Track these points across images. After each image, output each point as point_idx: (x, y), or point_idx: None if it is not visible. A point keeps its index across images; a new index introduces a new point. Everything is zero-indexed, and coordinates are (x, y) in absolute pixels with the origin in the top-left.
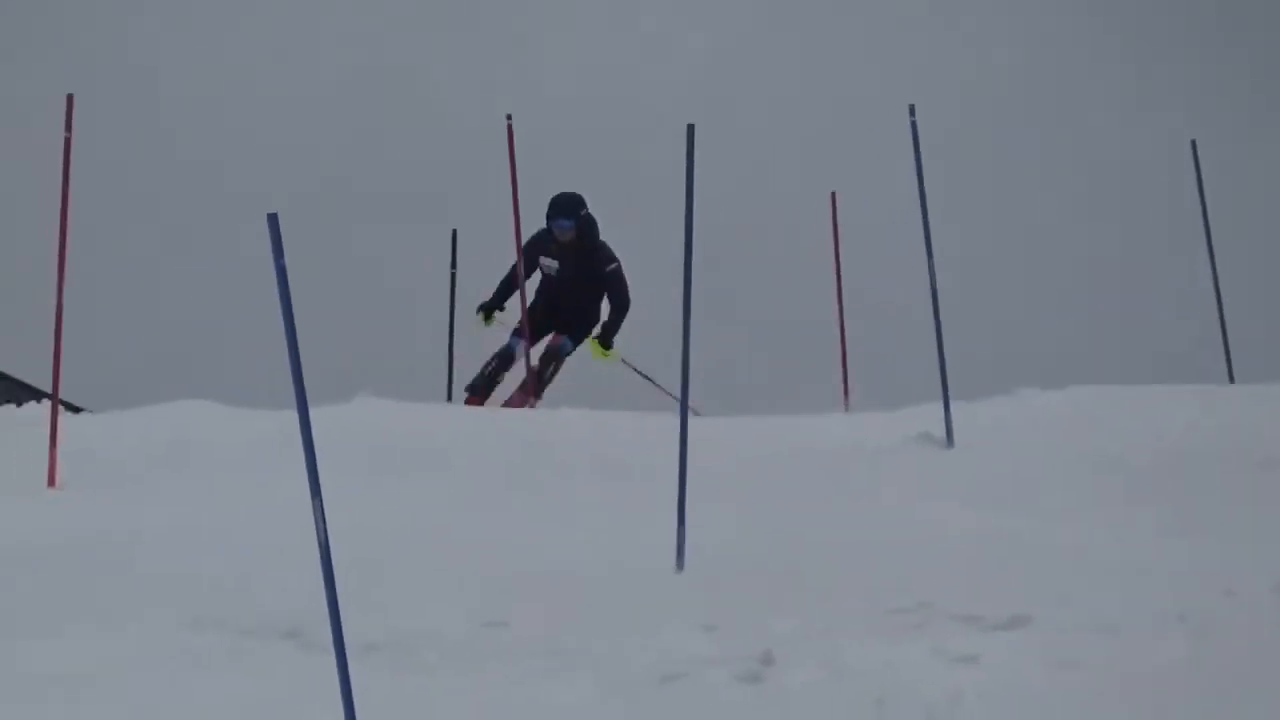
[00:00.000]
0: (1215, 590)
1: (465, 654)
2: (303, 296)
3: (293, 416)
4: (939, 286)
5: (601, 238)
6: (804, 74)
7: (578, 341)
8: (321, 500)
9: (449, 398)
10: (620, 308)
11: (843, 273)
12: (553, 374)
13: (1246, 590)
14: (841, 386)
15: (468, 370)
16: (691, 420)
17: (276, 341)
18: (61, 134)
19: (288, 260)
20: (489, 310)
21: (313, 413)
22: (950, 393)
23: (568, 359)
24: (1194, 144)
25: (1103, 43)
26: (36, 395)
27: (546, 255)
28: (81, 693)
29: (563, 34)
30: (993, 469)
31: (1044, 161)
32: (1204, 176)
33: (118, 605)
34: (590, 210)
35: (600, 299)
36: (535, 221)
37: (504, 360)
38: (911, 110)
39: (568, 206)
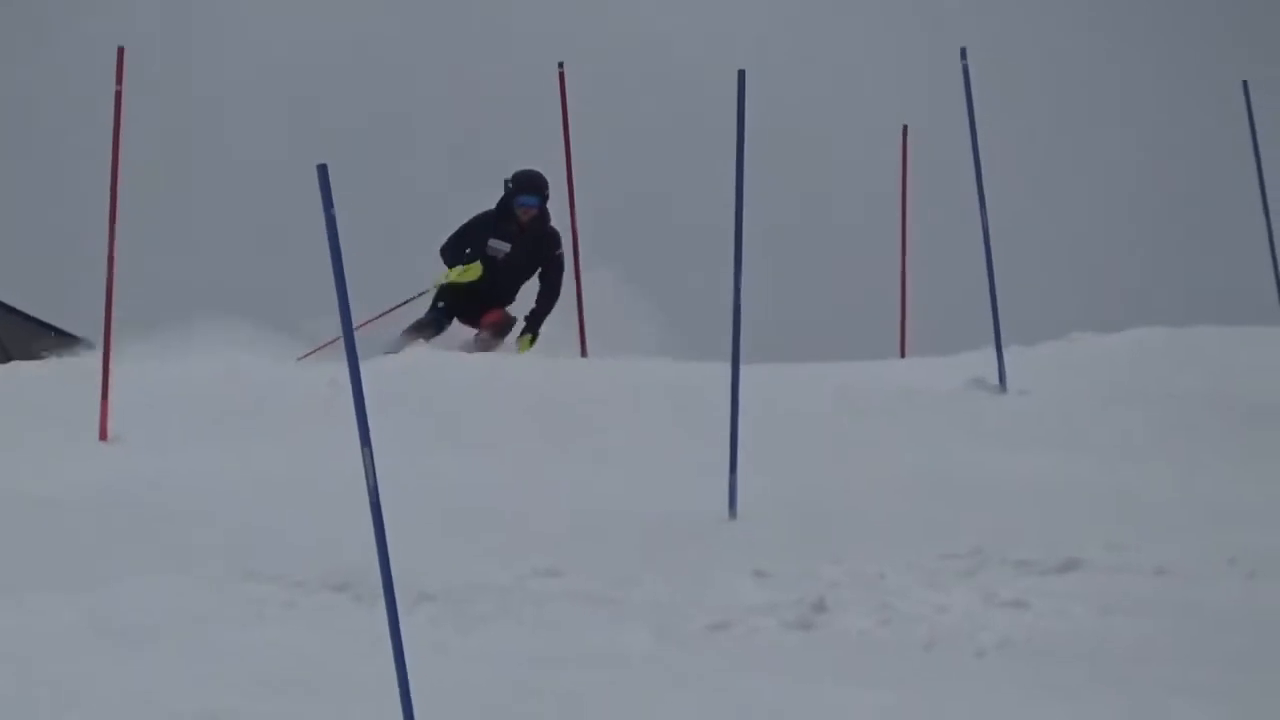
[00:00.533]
0: (1268, 534)
1: (517, 603)
2: (352, 244)
3: (343, 368)
4: (991, 229)
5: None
6: (867, 15)
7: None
8: (371, 450)
9: (583, 349)
10: (555, 295)
11: (907, 211)
12: (507, 328)
13: None
14: (899, 331)
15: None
16: (744, 368)
17: (328, 292)
18: (111, 86)
19: (337, 210)
20: (463, 261)
21: (363, 364)
22: (1005, 337)
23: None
24: (1245, 85)
25: None
26: (88, 348)
27: (497, 237)
28: (135, 643)
29: None
30: (1046, 413)
31: (1102, 101)
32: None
33: (170, 558)
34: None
35: (527, 279)
36: (589, 168)
37: (438, 326)
38: (963, 54)
39: (537, 184)
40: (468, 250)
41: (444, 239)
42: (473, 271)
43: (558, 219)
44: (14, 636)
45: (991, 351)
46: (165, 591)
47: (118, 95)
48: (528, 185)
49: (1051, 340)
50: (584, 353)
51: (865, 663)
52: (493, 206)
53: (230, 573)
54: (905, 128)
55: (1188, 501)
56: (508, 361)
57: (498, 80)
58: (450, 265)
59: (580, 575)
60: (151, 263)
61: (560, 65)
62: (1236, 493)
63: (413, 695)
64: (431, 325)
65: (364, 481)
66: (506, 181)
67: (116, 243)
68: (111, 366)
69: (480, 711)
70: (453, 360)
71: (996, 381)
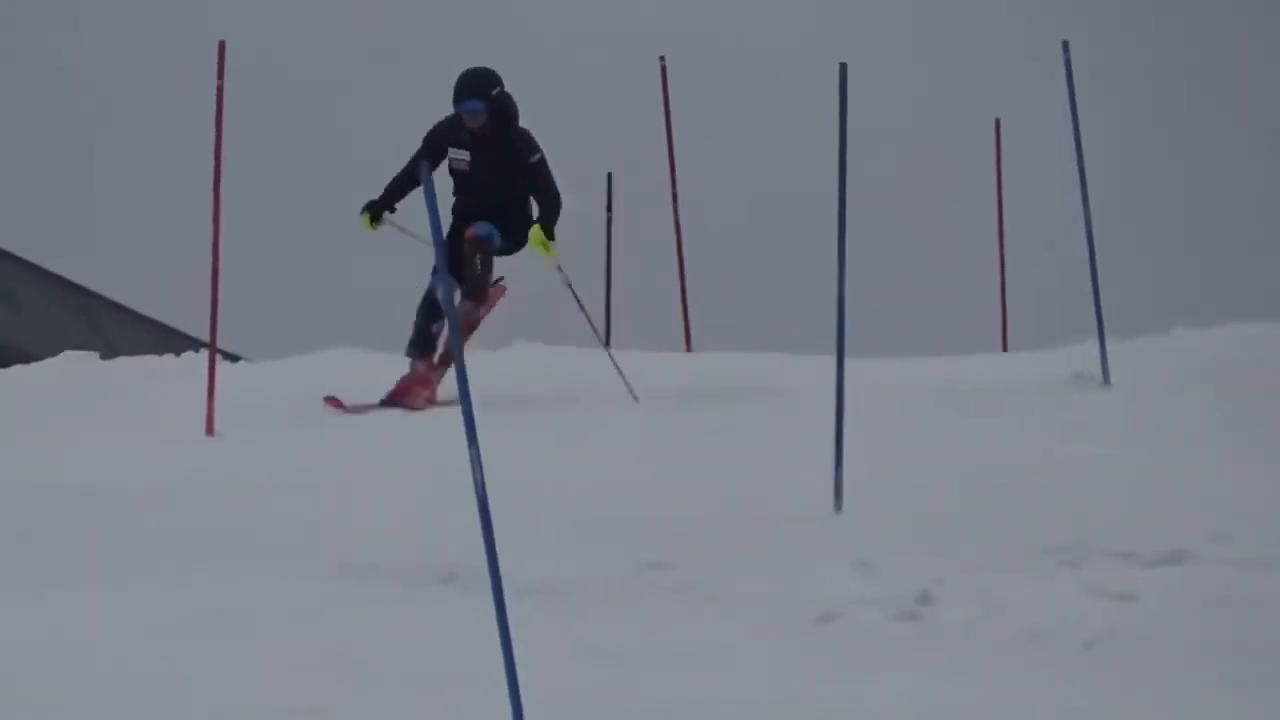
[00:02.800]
0: None
1: (624, 595)
2: None
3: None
4: (1095, 221)
5: (522, 123)
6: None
7: (505, 235)
8: (478, 447)
9: (607, 342)
10: (551, 208)
11: (1004, 205)
12: (485, 269)
13: None
14: (1000, 324)
15: (626, 312)
16: (847, 361)
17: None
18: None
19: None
20: (376, 210)
21: (547, 356)
22: (1106, 330)
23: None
24: None
25: None
26: (195, 345)
27: (455, 146)
28: (238, 635)
29: None
30: (1148, 408)
31: (1205, 90)
32: None
33: (275, 551)
34: (506, 89)
35: (525, 199)
36: (690, 167)
37: (433, 308)
38: (1065, 47)
39: (476, 84)
40: (432, 161)
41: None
42: (365, 223)
43: (657, 207)
44: (117, 628)
45: (1092, 345)
46: (269, 584)
47: (219, 90)
48: (462, 90)
49: (1151, 334)
50: (689, 347)
51: (971, 654)
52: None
53: (335, 566)
54: (998, 121)
55: None
56: (607, 357)
57: (594, 70)
58: (383, 194)
59: (685, 569)
60: (257, 259)
61: (662, 59)
62: None
63: (520, 687)
64: (427, 310)
65: (469, 477)
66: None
67: (221, 236)
68: (218, 362)
69: (587, 703)
70: (556, 355)
71: (1099, 375)
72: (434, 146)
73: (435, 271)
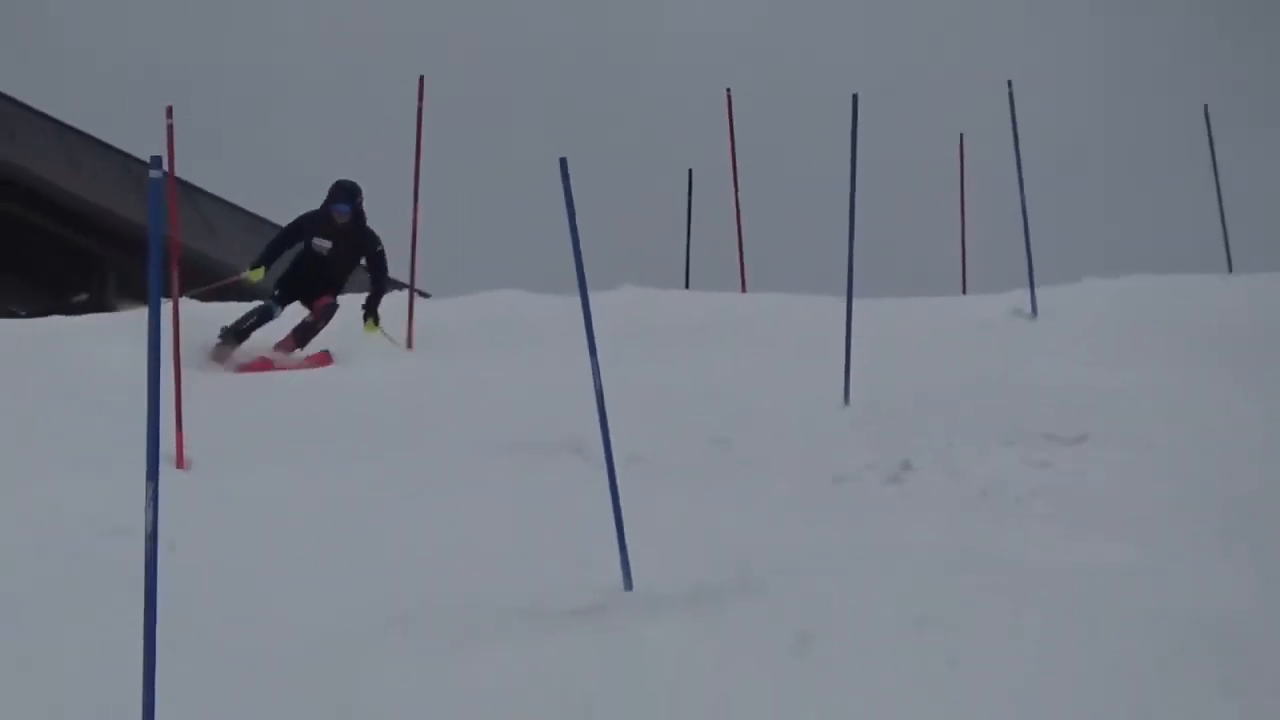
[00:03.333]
0: (1229, 417)
1: (698, 464)
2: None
3: (577, 301)
4: (1029, 199)
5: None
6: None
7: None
8: (596, 358)
9: (686, 285)
10: (383, 285)
11: (965, 190)
12: (323, 323)
13: (1241, 413)
14: (961, 274)
15: (701, 262)
16: (824, 300)
17: (566, 244)
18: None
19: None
20: (257, 266)
21: (646, 297)
22: (1036, 279)
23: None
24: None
25: None
26: (399, 286)
27: (319, 236)
28: (417, 494)
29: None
30: (1064, 333)
31: (1124, 85)
32: None
33: (458, 432)
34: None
35: (352, 271)
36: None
37: (263, 317)
38: (1010, 84)
39: (348, 193)
40: (299, 245)
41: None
42: (257, 275)
43: (717, 203)
44: (335, 493)
45: (1025, 290)
46: (443, 456)
47: (418, 114)
48: (338, 194)
49: (1067, 283)
50: (744, 289)
51: (938, 505)
52: (318, 208)
53: (495, 442)
54: (961, 136)
55: (1173, 393)
56: (692, 298)
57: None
58: (253, 265)
59: (740, 445)
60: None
61: (728, 91)
62: (1205, 388)
63: (625, 530)
64: (257, 315)
65: (590, 382)
66: (330, 191)
67: (421, 209)
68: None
69: (679, 541)
70: (657, 295)
71: (1030, 310)
72: (302, 229)
73: (275, 299)
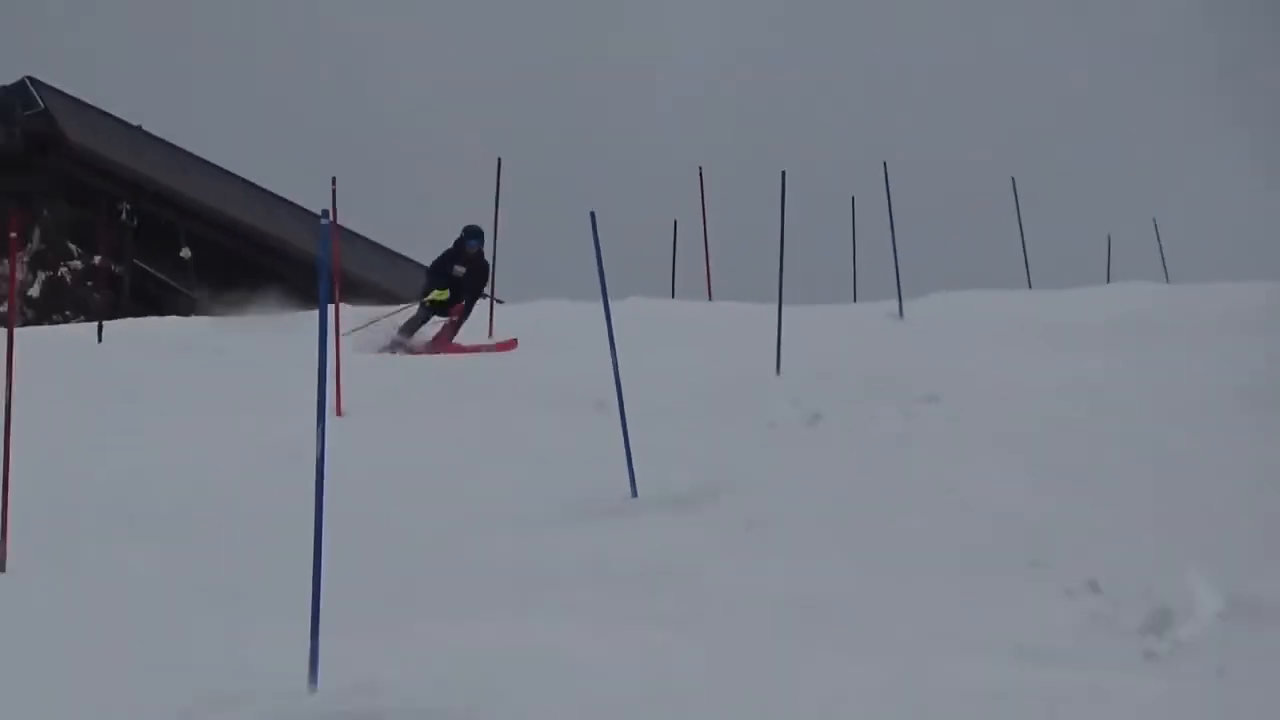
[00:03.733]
0: (1033, 377)
1: (680, 412)
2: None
3: (600, 307)
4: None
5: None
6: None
7: (469, 306)
8: (615, 351)
9: (709, 296)
10: (480, 292)
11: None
12: (461, 320)
13: (1041, 374)
14: (852, 285)
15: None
16: (765, 306)
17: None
18: None
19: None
20: (440, 288)
21: (646, 304)
22: (903, 291)
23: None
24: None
25: None
26: (483, 295)
27: (458, 264)
28: (477, 448)
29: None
30: (924, 328)
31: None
32: None
33: (518, 395)
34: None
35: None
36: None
37: (422, 320)
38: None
39: (480, 233)
40: (446, 273)
41: (431, 263)
42: (442, 294)
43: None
44: (410, 447)
45: (894, 300)
46: (496, 412)
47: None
48: (474, 233)
49: (928, 295)
50: (710, 297)
51: (838, 441)
52: (452, 246)
53: (542, 399)
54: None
55: (993, 367)
56: (705, 307)
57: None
58: (429, 288)
59: (712, 400)
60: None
61: (700, 170)
62: (1019, 361)
63: (632, 457)
64: (420, 319)
65: (610, 362)
66: (464, 231)
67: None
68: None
69: (667, 464)
70: (667, 305)
71: (898, 313)
72: (448, 259)
73: (423, 308)
